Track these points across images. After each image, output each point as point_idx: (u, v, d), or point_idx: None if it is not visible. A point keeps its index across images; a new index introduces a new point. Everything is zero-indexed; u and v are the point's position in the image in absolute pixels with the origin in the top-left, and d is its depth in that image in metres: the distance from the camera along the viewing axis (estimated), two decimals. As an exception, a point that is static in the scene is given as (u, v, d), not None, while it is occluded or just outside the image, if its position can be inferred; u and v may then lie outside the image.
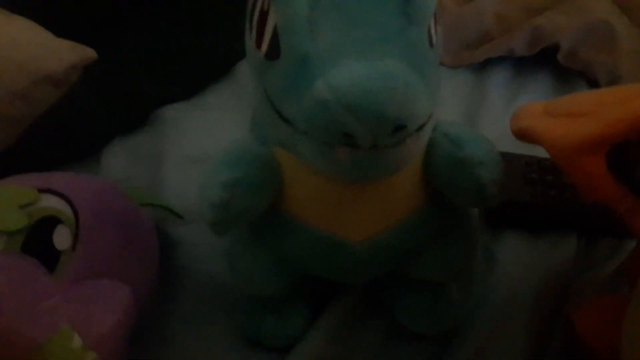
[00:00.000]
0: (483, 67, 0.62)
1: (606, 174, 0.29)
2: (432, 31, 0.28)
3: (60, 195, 0.33)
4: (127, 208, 0.36)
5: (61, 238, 0.31)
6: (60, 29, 0.47)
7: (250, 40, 0.29)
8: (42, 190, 0.32)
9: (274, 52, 0.27)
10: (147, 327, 0.39)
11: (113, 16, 0.58)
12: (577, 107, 0.29)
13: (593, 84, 0.60)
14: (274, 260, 0.36)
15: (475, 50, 0.62)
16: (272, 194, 0.33)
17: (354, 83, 0.24)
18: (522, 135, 0.31)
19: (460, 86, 0.60)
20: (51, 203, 0.32)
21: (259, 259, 0.36)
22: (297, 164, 0.31)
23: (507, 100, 0.58)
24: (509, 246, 0.45)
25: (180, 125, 0.55)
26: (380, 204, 0.33)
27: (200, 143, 0.53)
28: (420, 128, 0.27)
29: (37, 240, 0.31)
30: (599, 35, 0.58)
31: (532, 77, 0.61)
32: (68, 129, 0.51)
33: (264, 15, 0.27)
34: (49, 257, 0.31)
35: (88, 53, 0.44)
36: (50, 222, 0.32)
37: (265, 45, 0.27)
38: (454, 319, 0.40)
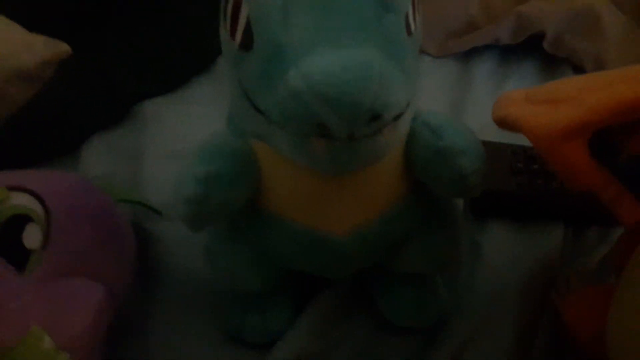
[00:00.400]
0: (468, 56, 0.61)
1: (589, 161, 0.28)
2: (410, 19, 0.27)
3: (31, 193, 0.32)
4: (101, 205, 0.36)
5: (31, 237, 0.30)
6: (37, 24, 0.46)
7: (224, 31, 0.28)
8: (12, 188, 0.31)
9: (247, 42, 0.26)
10: (126, 325, 0.38)
11: (92, 10, 0.57)
12: (558, 93, 0.29)
13: (579, 71, 0.59)
14: (255, 255, 0.35)
15: (461, 39, 0.62)
16: (249, 189, 0.32)
17: (328, 72, 0.23)
18: (503, 123, 0.30)
19: (446, 76, 0.59)
20: (21, 201, 0.31)
21: (238, 255, 0.36)
22: (275, 156, 0.30)
23: (493, 89, 0.58)
24: (495, 236, 0.45)
25: (161, 120, 0.54)
26: (361, 195, 0.32)
27: (181, 138, 0.52)
28: (398, 117, 0.26)
29: (6, 239, 0.30)
30: (584, 22, 0.57)
31: (518, 65, 0.60)
32: (46, 125, 0.50)
33: (237, 5, 0.26)
34: (18, 257, 0.30)
35: (62, 48, 0.42)
36: (20, 220, 0.31)
37: (239, 36, 0.27)
38: (439, 311, 0.39)
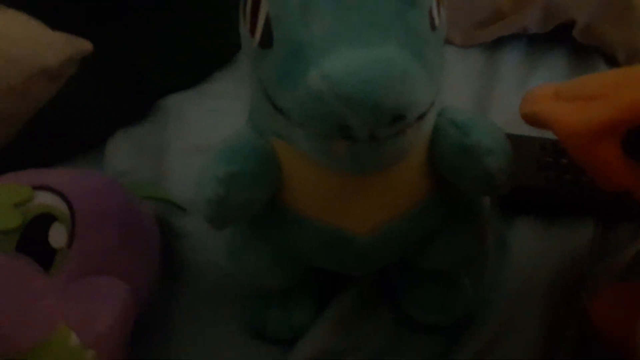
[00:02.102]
0: (495, 46, 0.60)
1: (622, 161, 0.27)
2: (435, 13, 0.26)
3: (56, 192, 0.32)
4: (125, 203, 0.36)
5: (57, 236, 0.31)
6: (59, 20, 0.47)
7: (244, 29, 0.28)
8: (37, 187, 0.32)
9: (267, 40, 0.26)
10: (151, 321, 0.38)
11: (115, 5, 0.57)
12: (590, 89, 0.28)
13: (611, 60, 0.57)
14: (277, 253, 0.35)
15: (487, 28, 0.60)
16: (271, 188, 0.32)
17: (349, 72, 0.23)
18: (532, 120, 0.29)
19: (471, 66, 0.58)
20: (46, 200, 0.32)
21: (260, 253, 0.35)
22: (297, 155, 0.30)
23: (520, 80, 0.56)
24: (522, 233, 0.44)
25: (185, 115, 0.54)
26: (384, 194, 0.32)
27: (205, 132, 0.52)
28: (421, 117, 0.25)
29: (32, 238, 0.30)
30: (616, 9, 0.56)
31: (547, 55, 0.59)
32: (70, 122, 0.50)
33: (256, 2, 0.26)
34: (44, 256, 0.30)
35: (84, 45, 0.43)
36: (45, 219, 0.31)
37: (258, 34, 0.26)
38: (464, 309, 0.39)
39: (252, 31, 0.26)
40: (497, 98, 0.54)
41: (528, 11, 0.58)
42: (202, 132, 0.52)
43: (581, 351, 0.38)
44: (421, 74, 0.24)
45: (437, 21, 0.27)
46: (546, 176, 0.44)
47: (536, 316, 0.39)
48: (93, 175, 0.36)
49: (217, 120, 0.53)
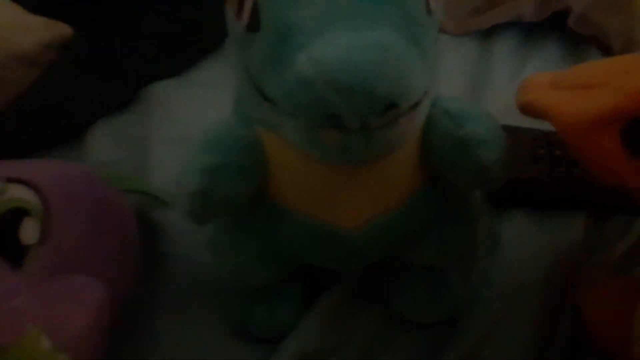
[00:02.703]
0: (489, 34, 0.58)
1: (621, 153, 0.26)
2: None
3: (29, 185, 0.30)
4: (103, 196, 0.34)
5: (28, 231, 0.29)
6: (40, 5, 0.45)
7: (230, 11, 0.26)
8: (8, 180, 0.30)
9: (254, 24, 0.24)
10: (130, 320, 0.37)
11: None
12: (587, 78, 0.26)
13: (606, 49, 0.56)
14: (261, 248, 0.34)
15: (481, 16, 0.59)
16: (257, 180, 0.30)
17: (340, 57, 0.21)
18: (528, 110, 0.28)
19: (465, 55, 0.57)
20: (18, 193, 0.30)
21: (245, 248, 0.34)
22: (284, 146, 0.28)
23: (514, 69, 0.55)
24: (514, 226, 0.43)
25: (169, 104, 0.52)
26: (374, 187, 0.30)
27: (190, 122, 0.50)
28: (415, 106, 0.24)
29: (1, 234, 0.28)
30: (612, -3, 0.54)
31: (542, 44, 0.58)
32: (49, 111, 0.48)
33: None
34: (14, 253, 0.29)
35: (64, 30, 0.41)
36: (16, 214, 0.29)
37: (245, 17, 0.25)
38: (455, 305, 0.38)
39: (239, 14, 0.25)
40: (491, 88, 0.53)
41: (523, -2, 0.57)
42: (187, 121, 0.51)
43: (574, 346, 0.37)
44: (416, 60, 0.23)
45: (432, 4, 0.25)
46: (539, 168, 0.43)
47: (528, 311, 0.38)
48: (69, 167, 0.34)
49: (203, 109, 0.51)
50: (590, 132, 0.25)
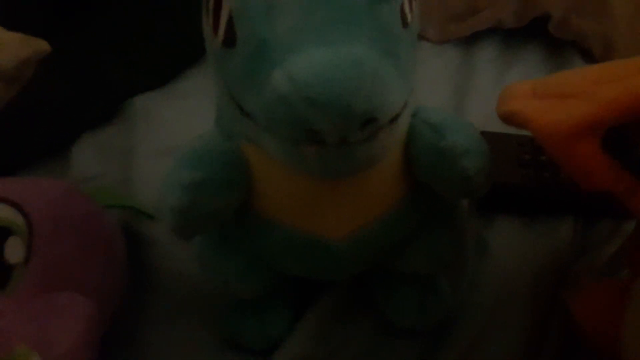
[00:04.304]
0: (470, 41, 0.59)
1: (603, 160, 0.26)
2: (407, 9, 0.25)
3: (11, 203, 0.30)
4: (88, 213, 0.34)
5: (13, 251, 0.29)
6: (17, 19, 0.44)
7: (206, 26, 0.26)
8: (-9, 199, 0.30)
9: (230, 39, 0.24)
10: (119, 335, 0.37)
11: (78, 2, 0.55)
12: (569, 86, 0.27)
13: (587, 54, 0.57)
14: (248, 261, 0.34)
15: (462, 23, 0.59)
16: (240, 194, 0.30)
17: (316, 73, 0.21)
18: (509, 119, 0.28)
19: (447, 63, 0.57)
20: (1, 213, 0.30)
21: (232, 261, 0.34)
22: (267, 159, 0.28)
23: (496, 76, 0.56)
24: (501, 232, 0.43)
25: (153, 116, 0.52)
26: (358, 198, 0.30)
27: (175, 133, 0.50)
28: (394, 119, 0.24)
29: (-15, 254, 0.28)
30: (590, 2, 0.55)
31: (523, 49, 0.58)
32: (31, 127, 0.48)
33: None
34: (0, 273, 0.28)
35: (40, 46, 0.40)
36: (0, 233, 0.29)
37: (221, 32, 0.25)
38: (444, 312, 0.38)
39: (215, 28, 0.25)
40: (474, 94, 0.53)
41: (503, 5, 0.57)
42: (172, 133, 0.51)
43: (564, 349, 0.37)
44: (392, 74, 0.23)
45: (409, 17, 0.25)
46: (525, 174, 0.44)
47: (518, 316, 0.38)
48: (51, 183, 0.34)
49: (188, 120, 0.51)
50: (569, 141, 0.25)
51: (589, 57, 0.57)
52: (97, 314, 0.30)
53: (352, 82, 0.21)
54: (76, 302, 0.29)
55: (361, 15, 0.23)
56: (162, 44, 0.55)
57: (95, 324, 0.30)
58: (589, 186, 0.27)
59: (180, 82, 0.56)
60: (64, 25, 0.52)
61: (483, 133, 0.44)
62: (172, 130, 0.51)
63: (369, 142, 0.24)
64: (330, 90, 0.21)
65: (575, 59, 0.57)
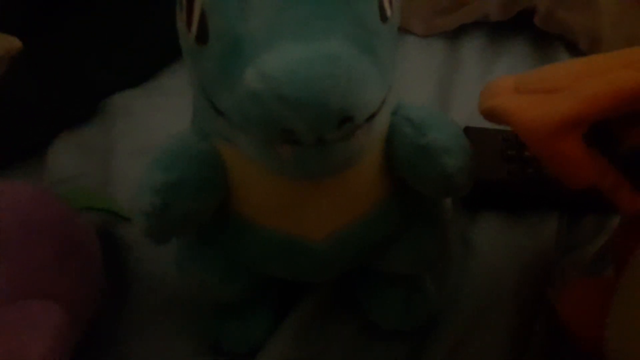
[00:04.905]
0: (456, 35, 0.58)
1: (585, 156, 0.26)
2: (386, 3, 0.24)
3: (-22, 208, 0.29)
4: (60, 217, 0.33)
5: (-21, 257, 0.28)
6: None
7: (180, 22, 0.25)
8: (-44, 204, 0.29)
9: (203, 35, 0.23)
10: (96, 340, 0.36)
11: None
12: (551, 81, 0.26)
13: (572, 47, 0.56)
14: (229, 263, 0.33)
15: (448, 16, 0.58)
16: (216, 195, 0.29)
17: (290, 70, 0.20)
18: (491, 115, 0.27)
19: (433, 56, 0.57)
20: (-33, 218, 0.29)
21: (211, 264, 0.33)
22: (244, 159, 0.27)
23: (482, 70, 0.55)
24: (486, 229, 0.43)
25: (132, 114, 0.51)
26: (339, 198, 0.30)
27: (154, 132, 0.49)
28: (372, 117, 0.23)
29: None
30: (576, -5, 0.54)
31: (509, 43, 0.58)
32: (7, 126, 0.47)
33: None
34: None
35: (12, 43, 0.39)
36: (-34, 240, 0.28)
37: (194, 28, 0.24)
38: (428, 312, 0.37)
39: (189, 24, 0.24)
40: (460, 88, 0.53)
41: (489, -2, 0.57)
42: (151, 131, 0.49)
43: (550, 347, 0.37)
44: (369, 71, 0.22)
45: (388, 12, 0.24)
46: (510, 169, 0.43)
47: (503, 313, 0.38)
48: (21, 186, 0.32)
49: (167, 118, 0.50)
50: (551, 137, 0.25)
51: (576, 50, 0.56)
52: (70, 321, 0.29)
53: (326, 80, 0.20)
54: (46, 310, 0.29)
55: (337, 11, 0.22)
56: (141, 42, 0.54)
57: (68, 332, 0.29)
58: (572, 183, 0.27)
59: (161, 79, 0.55)
60: (42, 23, 0.51)
61: (467, 128, 0.44)
62: (152, 129, 0.50)
63: (346, 141, 0.23)
64: (304, 88, 0.20)
65: (562, 52, 0.56)
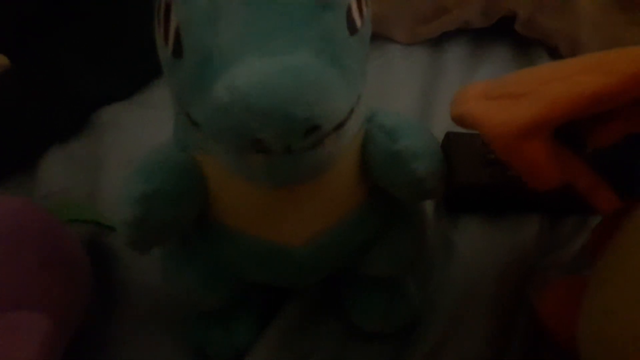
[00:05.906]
0: (439, 42, 0.59)
1: (550, 159, 0.26)
2: (355, 14, 0.25)
3: (-35, 222, 0.30)
4: (47, 229, 0.33)
5: (-35, 270, 0.29)
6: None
7: (158, 36, 0.26)
8: (-57, 218, 0.29)
9: (178, 49, 0.24)
10: (85, 347, 0.36)
11: (43, 10, 0.54)
12: (517, 86, 0.27)
13: (554, 52, 0.57)
14: (212, 271, 0.34)
15: (430, 24, 0.59)
16: (196, 205, 0.30)
17: (256, 82, 0.21)
18: (460, 121, 0.28)
19: (416, 64, 0.57)
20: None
21: (194, 271, 0.34)
22: (222, 169, 0.28)
23: (465, 76, 0.56)
24: (468, 231, 0.43)
25: (120, 127, 0.52)
26: (317, 203, 0.30)
27: (142, 144, 0.48)
28: (340, 126, 0.24)
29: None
30: (556, 1, 0.55)
31: (491, 50, 0.58)
32: (-3, 141, 0.47)
33: (168, 7, 0.24)
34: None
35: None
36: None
37: (171, 42, 0.24)
38: (410, 314, 0.38)
39: (166, 39, 0.25)
40: (442, 95, 0.53)
41: (470, 5, 0.58)
42: (140, 144, 0.49)
43: (531, 347, 0.38)
44: (335, 81, 0.23)
45: (358, 23, 0.25)
46: (490, 173, 0.44)
47: (484, 314, 0.38)
48: (9, 201, 0.33)
49: (155, 131, 0.50)
50: (516, 141, 0.25)
51: (557, 55, 0.57)
52: (56, 331, 0.30)
53: (291, 91, 0.21)
54: (32, 321, 0.29)
55: (303, 24, 0.23)
56: (129, 55, 0.55)
57: (53, 343, 0.30)
58: (537, 185, 0.27)
59: (149, 92, 0.55)
60: (30, 38, 0.51)
61: (448, 134, 0.44)
62: (140, 142, 0.50)
63: (315, 149, 0.23)
64: (269, 99, 0.21)
65: (543, 57, 0.57)
